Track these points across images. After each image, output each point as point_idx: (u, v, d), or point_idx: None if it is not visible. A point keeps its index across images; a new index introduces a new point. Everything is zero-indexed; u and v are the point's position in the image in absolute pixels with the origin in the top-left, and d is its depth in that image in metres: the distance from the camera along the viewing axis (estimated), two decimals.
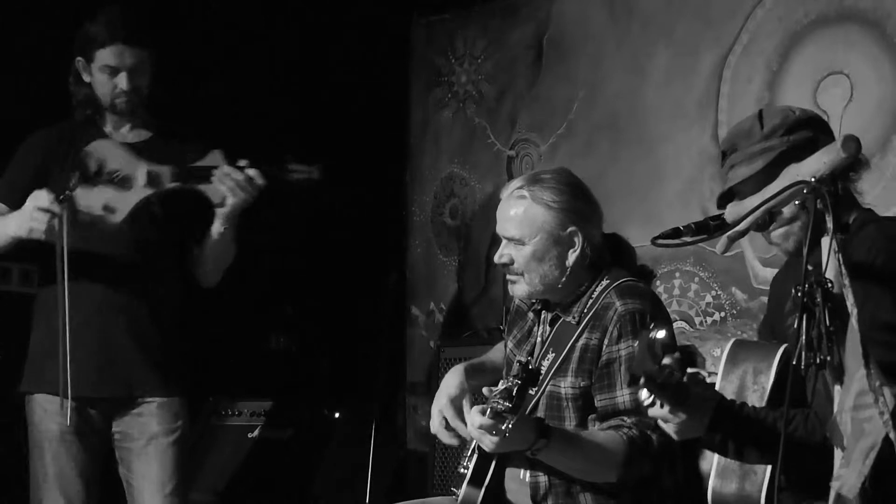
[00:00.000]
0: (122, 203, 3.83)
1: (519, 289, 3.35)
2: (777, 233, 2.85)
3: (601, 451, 3.12)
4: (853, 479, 2.30)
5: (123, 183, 3.85)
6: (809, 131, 2.83)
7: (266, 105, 5.48)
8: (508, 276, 3.36)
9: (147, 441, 3.89)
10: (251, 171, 3.77)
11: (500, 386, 3.13)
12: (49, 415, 3.82)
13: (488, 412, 2.97)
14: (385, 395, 5.65)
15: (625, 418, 3.16)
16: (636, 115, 5.20)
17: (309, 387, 5.69)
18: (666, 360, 2.49)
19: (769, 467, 2.70)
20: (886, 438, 2.24)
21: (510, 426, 2.92)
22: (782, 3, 4.69)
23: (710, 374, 2.85)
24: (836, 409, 2.42)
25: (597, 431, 3.19)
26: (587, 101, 5.43)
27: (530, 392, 3.26)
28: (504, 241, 3.33)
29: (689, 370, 2.59)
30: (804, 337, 2.32)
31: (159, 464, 3.88)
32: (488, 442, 3.04)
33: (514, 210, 3.30)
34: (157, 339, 3.92)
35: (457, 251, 6.06)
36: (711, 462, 2.85)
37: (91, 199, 3.79)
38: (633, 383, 2.51)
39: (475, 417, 3.05)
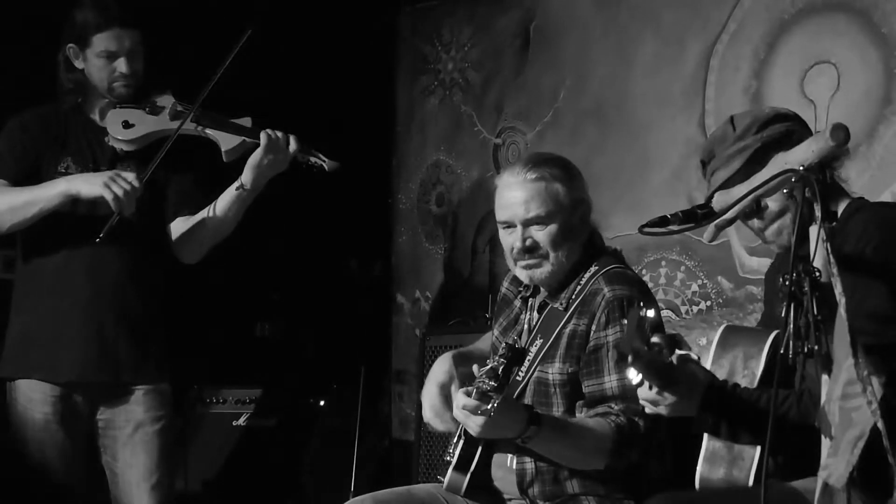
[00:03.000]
0: (142, 123, 3.86)
1: (541, 272, 3.30)
2: (770, 230, 2.85)
3: (590, 438, 3.12)
4: (841, 469, 2.30)
5: (153, 108, 3.89)
6: (783, 125, 2.85)
7: (250, 91, 5.46)
8: (527, 262, 3.30)
9: (133, 429, 3.86)
10: (290, 137, 3.83)
11: (487, 366, 3.12)
12: (34, 403, 3.80)
13: (473, 392, 2.97)
14: (370, 383, 5.64)
15: (612, 405, 3.16)
16: (623, 103, 5.19)
17: (294, 375, 5.68)
18: (654, 339, 2.49)
19: (757, 453, 2.70)
20: (874, 428, 2.24)
21: (495, 406, 2.92)
22: None
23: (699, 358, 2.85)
24: (824, 398, 2.42)
25: (585, 419, 3.18)
26: (574, 89, 5.42)
27: (518, 376, 3.27)
28: (518, 227, 3.29)
29: (680, 351, 2.59)
30: (792, 326, 2.32)
31: (146, 453, 3.86)
32: (473, 424, 3.03)
33: (534, 190, 3.26)
34: (146, 325, 3.90)
35: (442, 239, 6.05)
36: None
37: (114, 115, 3.85)
38: (622, 361, 2.50)
39: (460, 399, 3.05)
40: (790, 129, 2.83)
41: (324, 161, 3.86)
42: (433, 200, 6.13)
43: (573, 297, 3.28)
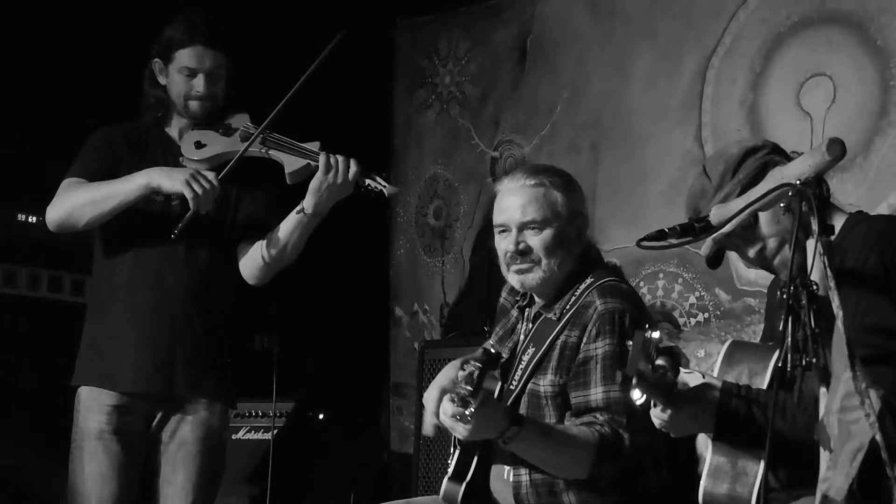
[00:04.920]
0: (213, 144, 3.88)
1: (532, 278, 3.31)
2: (777, 262, 2.86)
3: (573, 445, 3.12)
4: (841, 482, 2.31)
5: (226, 130, 3.92)
6: (755, 159, 2.85)
7: (247, 105, 5.47)
8: (519, 266, 3.30)
9: (177, 447, 3.86)
10: (350, 161, 3.84)
11: (465, 371, 3.14)
12: (90, 413, 3.80)
13: (455, 399, 2.99)
14: (369, 396, 5.64)
15: (597, 415, 3.17)
16: (620, 116, 5.21)
17: (293, 388, 5.68)
18: (660, 361, 2.50)
19: (761, 469, 2.70)
20: (873, 440, 2.25)
21: (473, 410, 2.94)
22: (765, 4, 4.71)
23: (704, 375, 2.85)
24: (822, 411, 2.43)
25: (569, 426, 3.19)
26: (571, 103, 5.44)
27: (511, 385, 3.28)
28: (513, 231, 3.31)
29: (685, 370, 2.60)
30: (790, 339, 2.33)
31: (185, 473, 3.85)
32: (459, 429, 3.04)
33: (533, 195, 3.28)
34: (204, 341, 3.88)
35: (440, 252, 6.06)
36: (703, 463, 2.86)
37: (189, 136, 3.89)
38: (626, 382, 2.51)
39: (445, 406, 3.07)
40: (764, 162, 2.83)
41: (384, 186, 3.90)
42: (431, 213, 6.14)
43: (567, 307, 3.29)
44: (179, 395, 3.85)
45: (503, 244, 3.34)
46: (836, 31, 4.46)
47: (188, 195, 3.69)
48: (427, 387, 3.47)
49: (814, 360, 2.29)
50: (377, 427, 6.02)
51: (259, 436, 5.22)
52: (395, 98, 6.39)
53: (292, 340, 5.96)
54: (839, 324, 2.31)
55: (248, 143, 3.85)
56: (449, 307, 5.99)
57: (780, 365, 2.35)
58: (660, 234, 2.81)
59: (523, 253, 3.29)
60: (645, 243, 2.81)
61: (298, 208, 3.87)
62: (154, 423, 3.89)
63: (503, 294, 3.61)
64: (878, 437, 2.23)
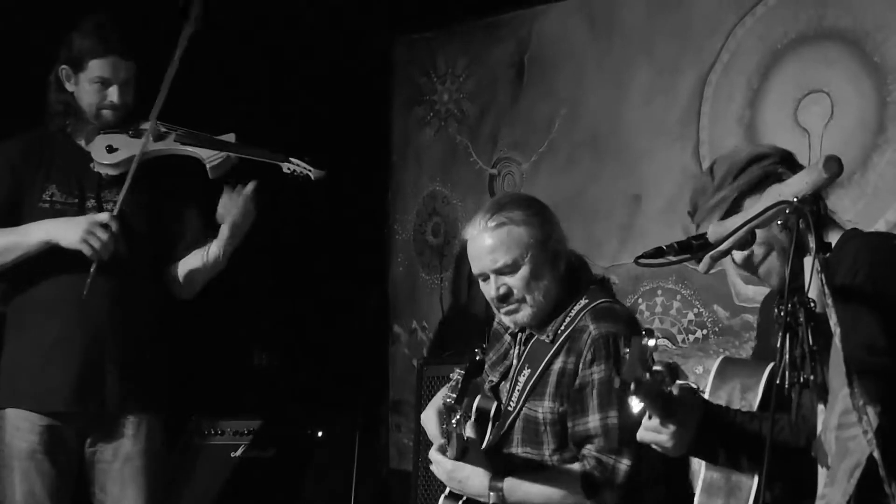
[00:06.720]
0: (125, 147, 3.85)
1: (522, 316, 3.32)
2: (763, 269, 2.87)
3: (558, 485, 3.14)
4: (838, 498, 2.31)
5: (136, 132, 3.89)
6: (759, 167, 2.85)
7: (247, 124, 5.48)
8: (507, 308, 3.32)
9: (122, 463, 3.84)
10: (247, 189, 3.87)
11: (451, 381, 3.16)
12: (20, 432, 3.77)
13: (441, 409, 3.03)
14: (367, 413, 5.63)
15: (589, 447, 3.17)
16: (618, 132, 5.21)
17: (291, 405, 5.68)
18: (657, 367, 2.51)
19: (755, 484, 2.70)
20: (871, 457, 2.25)
21: (454, 423, 2.99)
22: (762, 21, 4.71)
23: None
24: (820, 428, 2.43)
25: (552, 470, 3.21)
26: (569, 119, 5.44)
27: (510, 407, 3.28)
28: (492, 277, 3.30)
29: (680, 381, 2.60)
30: (787, 356, 2.33)
31: (135, 487, 3.84)
32: (442, 474, 3.10)
33: (497, 239, 3.28)
34: (134, 354, 3.87)
35: (439, 269, 6.06)
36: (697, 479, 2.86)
37: (99, 140, 3.86)
38: (623, 388, 2.51)
39: (430, 454, 3.11)
40: (767, 172, 2.83)
41: (309, 170, 3.88)
42: (429, 231, 6.14)
43: (560, 329, 3.29)
44: (112, 412, 3.83)
45: (486, 290, 3.37)
46: (833, 48, 4.47)
47: (86, 252, 3.70)
48: (425, 405, 3.49)
49: (811, 377, 2.29)
50: (376, 444, 6.01)
51: (257, 453, 5.21)
52: (393, 115, 6.39)
53: (291, 357, 5.96)
54: (836, 341, 2.31)
55: (147, 136, 3.85)
56: (441, 324, 5.99)
57: (778, 382, 2.35)
58: (657, 252, 2.81)
59: (506, 297, 3.30)
60: (643, 261, 2.81)
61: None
62: (87, 445, 3.86)
63: (496, 319, 3.61)
64: (876, 454, 2.23)
